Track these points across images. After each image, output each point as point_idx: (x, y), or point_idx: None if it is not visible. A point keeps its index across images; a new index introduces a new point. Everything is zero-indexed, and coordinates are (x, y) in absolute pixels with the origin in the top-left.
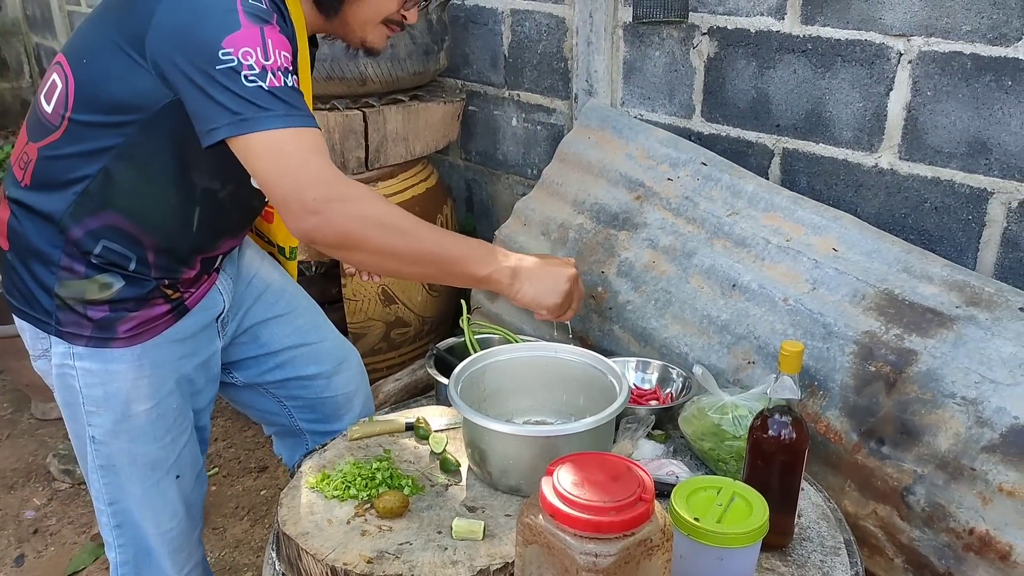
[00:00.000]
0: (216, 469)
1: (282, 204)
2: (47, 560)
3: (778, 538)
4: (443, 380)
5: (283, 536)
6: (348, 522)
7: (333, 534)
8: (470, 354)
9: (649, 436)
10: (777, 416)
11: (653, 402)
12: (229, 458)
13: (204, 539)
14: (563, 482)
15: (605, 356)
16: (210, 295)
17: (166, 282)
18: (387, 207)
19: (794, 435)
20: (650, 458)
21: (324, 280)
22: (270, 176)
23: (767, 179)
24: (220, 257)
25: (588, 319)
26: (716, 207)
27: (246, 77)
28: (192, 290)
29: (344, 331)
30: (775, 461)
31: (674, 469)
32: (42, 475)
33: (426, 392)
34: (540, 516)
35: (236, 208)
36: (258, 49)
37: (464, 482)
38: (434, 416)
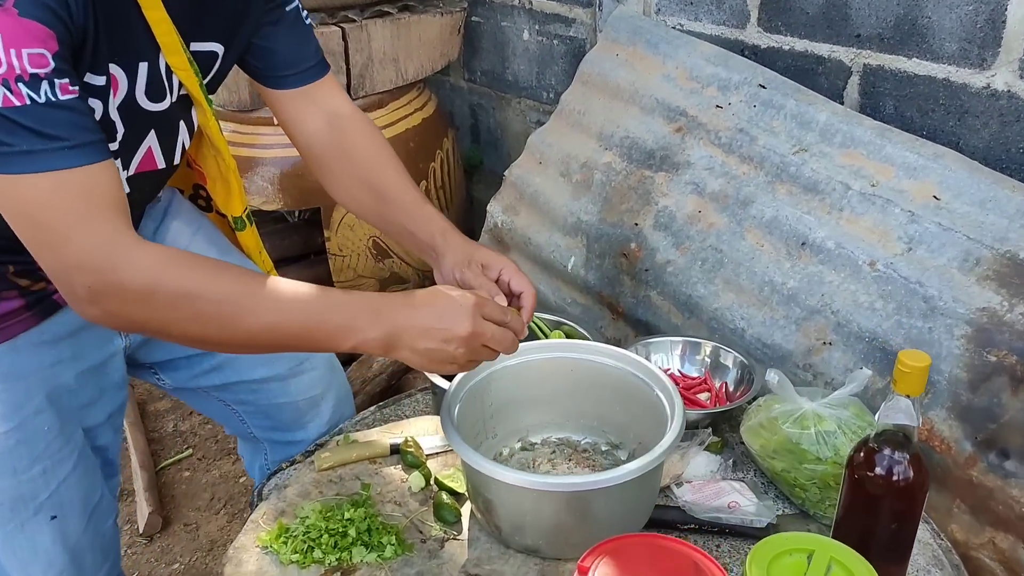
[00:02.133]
0: (190, 450)
1: (53, 280)
2: None
3: None
4: (440, 382)
5: None
6: None
7: None
8: None
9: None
10: (888, 450)
11: (704, 395)
12: (205, 436)
13: (174, 538)
14: None
15: (640, 329)
16: None
17: (13, 269)
18: (193, 274)
19: (911, 475)
20: (704, 478)
21: (309, 228)
22: (26, 242)
23: (843, 105)
24: None
25: (619, 282)
26: (779, 142)
27: None
28: None
29: None
30: (882, 507)
31: (737, 500)
32: None
33: None
34: None
35: None
36: None
37: (466, 535)
38: (428, 434)
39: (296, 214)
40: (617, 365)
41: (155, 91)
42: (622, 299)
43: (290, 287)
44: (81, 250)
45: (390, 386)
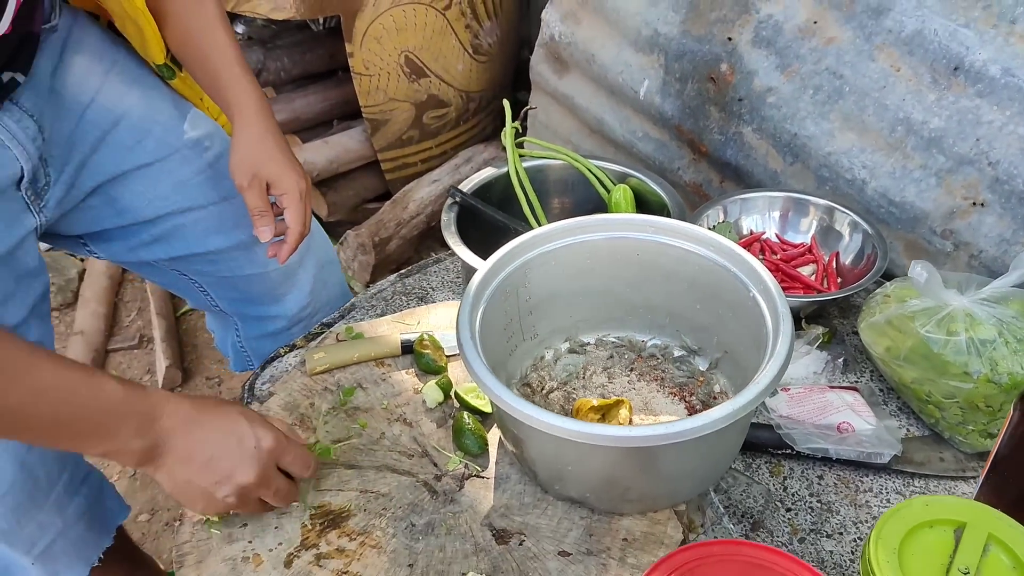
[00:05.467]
0: None
1: None
2: None
3: None
4: (468, 257)
5: None
6: (288, 563)
7: None
8: (521, 201)
9: (800, 329)
10: None
11: (809, 268)
12: None
13: (196, 393)
14: None
15: (727, 174)
16: None
17: None
18: None
19: None
20: (805, 382)
21: (336, 39)
22: None
23: None
24: None
25: (704, 114)
26: None
27: None
28: None
29: (355, 113)
30: None
31: (850, 421)
32: None
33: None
34: None
35: None
36: None
37: (492, 470)
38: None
39: (320, 22)
40: (701, 252)
41: None
42: (707, 135)
43: (54, 367)
44: None
45: (430, 228)
